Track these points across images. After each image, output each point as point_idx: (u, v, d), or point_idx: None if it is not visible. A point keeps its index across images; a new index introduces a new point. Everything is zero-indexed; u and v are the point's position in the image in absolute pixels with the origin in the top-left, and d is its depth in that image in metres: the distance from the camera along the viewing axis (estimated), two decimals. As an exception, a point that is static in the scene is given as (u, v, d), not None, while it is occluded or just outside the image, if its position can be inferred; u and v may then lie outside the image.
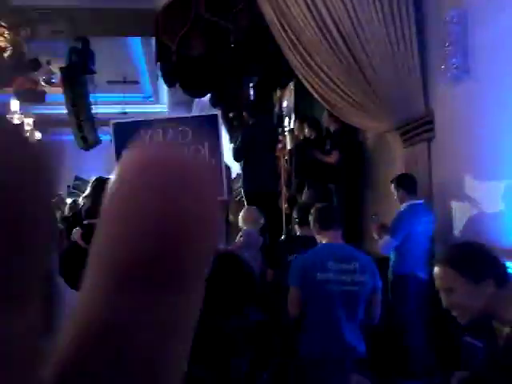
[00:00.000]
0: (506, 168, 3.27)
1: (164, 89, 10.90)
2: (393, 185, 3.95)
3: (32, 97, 9.25)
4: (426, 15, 4.05)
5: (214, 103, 8.18)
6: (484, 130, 3.46)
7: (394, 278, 3.77)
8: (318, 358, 2.52)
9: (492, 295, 1.55)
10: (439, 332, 3.43)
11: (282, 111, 7.31)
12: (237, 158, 5.55)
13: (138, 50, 10.14)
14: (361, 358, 2.62)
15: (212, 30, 6.05)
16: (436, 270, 1.66)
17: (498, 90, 3.32)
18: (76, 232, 2.97)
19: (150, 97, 12.92)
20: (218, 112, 2.52)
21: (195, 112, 12.79)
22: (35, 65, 6.85)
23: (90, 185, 3.49)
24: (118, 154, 2.58)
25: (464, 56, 3.59)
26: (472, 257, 1.62)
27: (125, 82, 11.73)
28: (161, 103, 13.07)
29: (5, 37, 6.83)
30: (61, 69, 8.57)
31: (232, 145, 5.97)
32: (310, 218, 2.89)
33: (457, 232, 3.79)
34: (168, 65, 6.67)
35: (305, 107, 6.40)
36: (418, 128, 4.04)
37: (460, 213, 3.75)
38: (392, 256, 3.83)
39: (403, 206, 3.85)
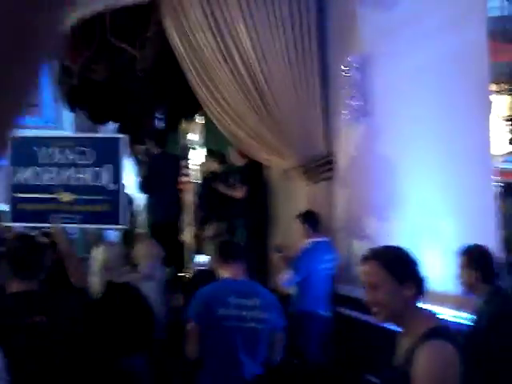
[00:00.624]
0: (402, 208, 3.40)
1: (68, 114, 10.42)
2: (298, 220, 3.98)
3: None
4: (329, 59, 4.21)
5: (119, 132, 7.92)
6: (381, 170, 3.60)
7: (294, 314, 3.74)
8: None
9: (409, 301, 1.61)
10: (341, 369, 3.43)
11: (188, 143, 7.22)
12: (144, 189, 5.38)
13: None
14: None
15: (117, 56, 5.89)
16: (364, 265, 1.70)
17: (395, 131, 3.49)
18: None
19: (51, 121, 12.27)
20: (122, 136, 2.38)
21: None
22: None
23: None
24: (14, 170, 2.37)
25: (363, 99, 3.75)
26: (401, 258, 1.67)
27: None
28: (64, 129, 12.44)
29: None
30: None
31: (138, 177, 5.77)
32: (214, 252, 2.79)
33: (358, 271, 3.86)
34: (69, 87, 6.40)
35: (213, 141, 6.37)
36: (320, 167, 4.15)
37: (361, 252, 3.82)
38: (294, 292, 3.82)
39: (307, 243, 3.88)
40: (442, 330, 1.58)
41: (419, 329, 1.57)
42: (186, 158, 6.96)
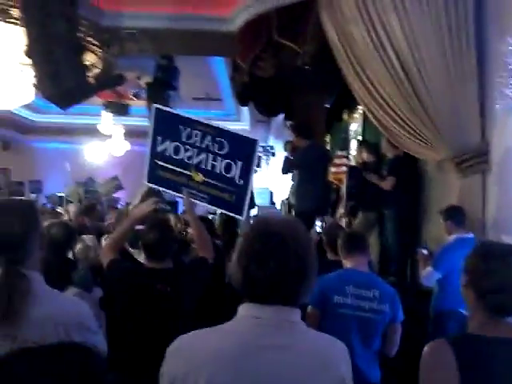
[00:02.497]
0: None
1: (245, 107, 11.23)
2: (441, 217, 3.86)
3: (117, 108, 9.91)
4: (486, 44, 3.93)
5: (286, 123, 8.36)
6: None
7: (434, 312, 3.65)
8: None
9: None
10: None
11: (349, 134, 7.28)
12: (284, 169, 5.74)
13: (222, 68, 10.55)
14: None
15: (283, 53, 6.22)
16: None
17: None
18: None
19: (232, 114, 13.34)
20: (257, 139, 2.58)
21: (272, 131, 13.07)
22: (120, 79, 7.34)
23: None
24: (154, 140, 2.69)
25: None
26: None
27: (208, 99, 12.23)
28: (242, 121, 13.46)
29: (96, 54, 7.42)
30: (146, 84, 9.13)
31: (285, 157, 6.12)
32: (339, 242, 2.91)
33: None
34: (240, 84, 6.94)
35: (370, 132, 6.36)
36: (473, 159, 3.91)
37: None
38: (435, 290, 3.72)
39: (450, 239, 3.74)
40: None
41: None
42: (347, 149, 7.05)
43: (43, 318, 1.50)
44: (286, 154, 7.22)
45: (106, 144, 12.71)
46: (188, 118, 2.63)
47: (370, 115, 4.87)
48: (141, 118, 11.65)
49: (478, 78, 3.88)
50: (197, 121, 2.62)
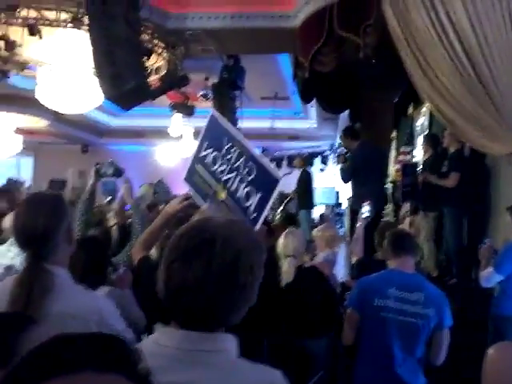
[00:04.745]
0: None
1: (312, 104, 11.10)
2: (509, 213, 3.57)
3: (183, 109, 10.11)
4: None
5: (352, 118, 8.14)
6: None
7: (495, 317, 3.38)
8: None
9: None
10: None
11: (415, 130, 6.94)
12: (344, 179, 5.51)
13: (289, 66, 10.48)
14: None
15: (344, 46, 6.05)
16: None
17: None
18: None
19: (299, 112, 13.22)
20: (281, 178, 2.47)
21: (340, 128, 12.82)
22: (184, 80, 7.49)
23: None
24: (201, 143, 2.66)
25: None
26: None
27: (276, 97, 12.19)
28: (310, 119, 13.30)
29: (162, 56, 7.62)
30: (212, 85, 9.25)
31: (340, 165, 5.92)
32: (384, 242, 2.75)
33: None
34: (303, 81, 6.83)
35: (438, 127, 6.03)
36: (544, 152, 3.58)
37: None
38: (496, 292, 3.44)
39: (516, 239, 3.45)
40: None
41: None
42: (412, 145, 6.74)
43: (63, 313, 1.49)
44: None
45: (177, 145, 13.02)
46: (231, 134, 2.59)
47: (432, 107, 4.62)
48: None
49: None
50: (237, 139, 2.57)
